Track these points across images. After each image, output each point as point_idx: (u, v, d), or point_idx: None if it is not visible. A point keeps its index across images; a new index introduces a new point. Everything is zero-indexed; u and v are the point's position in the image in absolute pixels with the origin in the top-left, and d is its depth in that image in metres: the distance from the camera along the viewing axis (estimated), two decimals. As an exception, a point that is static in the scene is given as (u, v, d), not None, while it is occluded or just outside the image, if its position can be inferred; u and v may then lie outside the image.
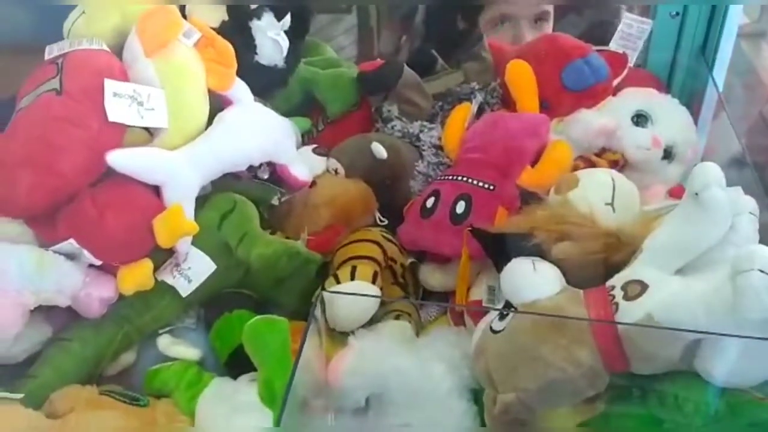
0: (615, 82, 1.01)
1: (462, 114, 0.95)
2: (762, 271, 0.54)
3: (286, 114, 0.99)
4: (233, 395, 0.73)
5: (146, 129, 0.80)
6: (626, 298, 0.65)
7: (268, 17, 0.97)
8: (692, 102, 1.06)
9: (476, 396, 0.72)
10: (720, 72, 1.07)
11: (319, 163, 0.95)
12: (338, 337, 0.77)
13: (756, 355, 0.59)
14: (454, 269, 0.84)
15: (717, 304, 0.58)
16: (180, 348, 0.79)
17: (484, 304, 0.79)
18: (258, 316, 0.72)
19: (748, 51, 1.20)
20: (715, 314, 0.58)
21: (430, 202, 0.88)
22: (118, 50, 0.83)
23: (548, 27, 1.38)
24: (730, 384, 0.61)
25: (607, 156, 0.93)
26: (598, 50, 1.03)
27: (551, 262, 0.71)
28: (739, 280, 0.54)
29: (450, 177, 0.89)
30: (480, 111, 0.99)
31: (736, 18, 1.04)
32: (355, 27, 1.81)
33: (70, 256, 0.74)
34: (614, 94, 1.01)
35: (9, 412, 0.65)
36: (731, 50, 1.05)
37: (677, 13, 1.08)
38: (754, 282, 0.54)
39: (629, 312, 0.64)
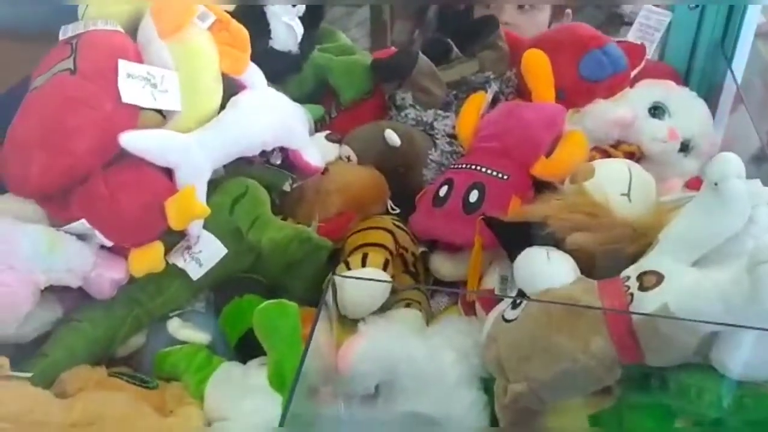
0: (633, 74, 1.00)
1: (477, 103, 0.94)
2: (781, 262, 0.53)
3: (299, 100, 0.98)
4: (243, 379, 0.73)
5: (159, 111, 0.80)
6: (641, 288, 0.64)
7: (282, 2, 0.96)
8: (710, 95, 1.05)
9: (486, 385, 0.71)
10: (739, 66, 1.05)
11: (332, 150, 0.95)
12: (348, 323, 0.77)
13: (774, 348, 0.58)
14: (466, 259, 0.84)
15: (735, 295, 0.57)
16: (190, 331, 0.79)
17: (497, 293, 0.79)
18: (268, 301, 0.72)
19: (764, 50, 1.18)
20: (732, 306, 0.57)
21: (443, 191, 0.87)
22: (132, 32, 0.82)
23: (540, 16, 1.36)
24: (746, 377, 0.60)
25: (623, 148, 0.92)
26: (616, 42, 1.02)
27: (565, 251, 0.70)
28: (757, 270, 0.54)
29: (463, 166, 0.88)
30: (495, 100, 0.99)
31: (756, 12, 1.02)
32: (368, 20, 1.81)
33: (82, 237, 0.73)
34: (631, 86, 1.00)
35: (19, 390, 0.65)
36: (750, 44, 1.03)
37: (696, 6, 1.07)
38: (773, 273, 0.53)
39: (644, 302, 0.63)
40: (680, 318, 0.59)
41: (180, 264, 0.78)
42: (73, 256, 0.72)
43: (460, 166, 0.89)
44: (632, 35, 1.09)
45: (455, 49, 1.05)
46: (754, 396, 0.61)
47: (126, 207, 0.72)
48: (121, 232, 0.74)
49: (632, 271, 0.67)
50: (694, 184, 0.83)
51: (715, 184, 0.62)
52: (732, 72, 1.04)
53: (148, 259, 0.75)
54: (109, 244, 0.74)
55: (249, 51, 0.87)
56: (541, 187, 0.85)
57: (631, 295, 0.64)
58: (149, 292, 0.79)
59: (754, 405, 0.60)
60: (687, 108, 0.95)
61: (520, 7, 1.35)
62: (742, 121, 0.99)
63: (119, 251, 0.76)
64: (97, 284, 0.74)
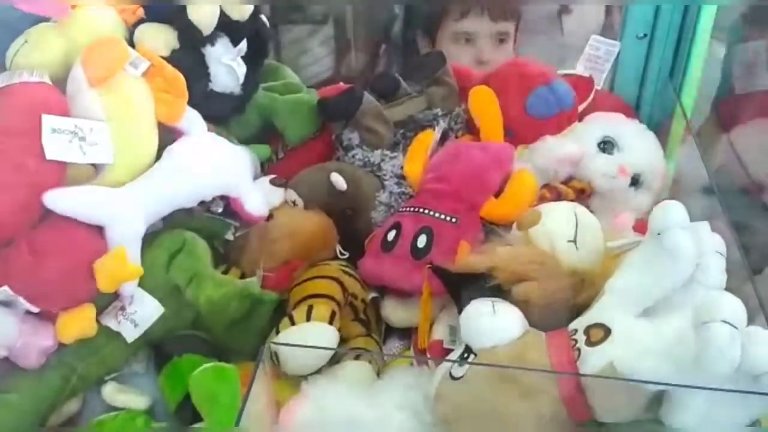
0: (581, 108, 0.99)
1: (424, 142, 0.92)
2: (725, 322, 0.51)
3: (245, 141, 0.96)
4: (181, 449, 0.70)
5: (92, 164, 0.76)
6: (588, 343, 0.62)
7: (222, 43, 0.93)
8: (660, 126, 1.04)
9: (437, 443, 0.68)
10: (688, 96, 1.05)
11: (277, 195, 0.92)
12: (293, 379, 0.74)
13: (722, 406, 0.56)
14: (417, 304, 0.81)
15: (681, 354, 0.55)
16: (126, 396, 0.75)
17: (445, 345, 0.76)
18: (205, 365, 0.69)
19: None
20: (680, 365, 0.55)
21: (391, 235, 0.85)
22: (63, 81, 0.79)
23: (509, 47, 1.36)
24: (697, 435, 0.58)
25: (574, 184, 0.91)
26: (564, 74, 1.01)
27: (512, 302, 0.68)
28: (702, 332, 0.52)
29: (411, 209, 0.86)
30: (444, 137, 0.97)
31: (704, 41, 1.02)
32: (332, 38, 1.79)
33: (5, 304, 0.69)
34: (581, 119, 0.98)
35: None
36: (700, 74, 1.03)
37: (645, 35, 1.06)
38: (718, 334, 0.51)
39: (591, 359, 0.61)
40: (625, 379, 0.57)
41: (114, 326, 0.75)
42: (-4, 326, 0.68)
43: (408, 210, 0.87)
44: (581, 66, 1.08)
45: (403, 84, 1.03)
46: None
47: (51, 271, 0.69)
48: (46, 298, 0.70)
49: (579, 324, 0.65)
50: (642, 227, 0.81)
51: (659, 234, 0.60)
52: (680, 103, 1.03)
53: (79, 323, 0.71)
54: (35, 310, 0.70)
55: (185, 96, 0.84)
56: (490, 230, 0.84)
57: (579, 350, 0.62)
58: (82, 356, 0.75)
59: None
60: (636, 142, 0.95)
61: (499, 41, 1.35)
62: (692, 152, 0.98)
63: (47, 316, 0.72)
64: (23, 354, 0.70)
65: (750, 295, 0.70)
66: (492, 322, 0.66)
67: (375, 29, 1.67)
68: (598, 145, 0.94)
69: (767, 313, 0.70)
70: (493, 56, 1.32)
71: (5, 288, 0.68)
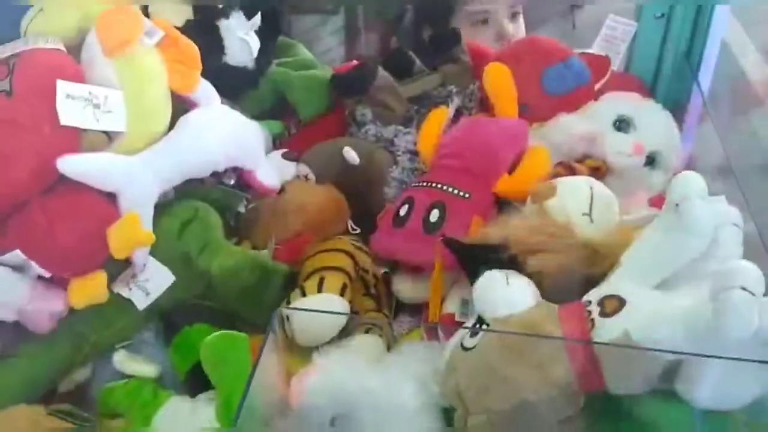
0: (597, 86, 0.98)
1: (438, 118, 0.91)
2: (744, 289, 0.50)
3: (258, 117, 0.95)
4: (190, 416, 0.69)
5: (105, 132, 0.76)
6: (603, 314, 0.61)
7: (237, 16, 0.94)
8: (677, 107, 1.03)
9: (448, 415, 0.68)
10: (705, 76, 1.03)
11: (289, 169, 0.92)
12: (305, 351, 0.74)
13: (739, 376, 0.55)
14: (428, 280, 0.80)
15: (698, 323, 0.54)
16: (136, 364, 0.75)
17: (457, 318, 0.76)
18: (216, 333, 0.68)
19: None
20: (695, 333, 0.54)
21: (403, 210, 0.84)
22: (77, 49, 0.79)
23: (521, 21, 1.35)
24: (712, 406, 0.58)
25: (589, 163, 0.90)
26: (580, 53, 1.00)
27: (526, 274, 0.68)
28: (719, 298, 0.51)
29: (424, 184, 0.86)
30: (457, 115, 0.96)
31: (722, 21, 1.00)
32: (343, 28, 1.78)
33: (17, 268, 0.69)
34: (596, 99, 0.97)
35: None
36: (716, 55, 1.01)
37: (662, 15, 1.05)
38: (736, 300, 0.50)
39: (606, 329, 0.60)
40: (641, 347, 0.56)
41: (125, 293, 0.75)
42: (7, 289, 0.68)
43: (420, 184, 0.86)
44: (597, 46, 1.07)
45: (417, 62, 1.02)
46: (720, 425, 0.58)
47: (64, 236, 0.69)
48: (58, 263, 0.70)
49: (594, 296, 0.64)
50: (658, 201, 0.80)
51: (676, 205, 0.60)
52: (698, 83, 1.02)
53: (90, 289, 0.72)
54: (46, 274, 0.70)
55: (200, 68, 0.83)
56: (504, 204, 0.83)
57: (593, 320, 0.62)
58: (92, 324, 0.75)
59: (721, 435, 0.58)
60: (652, 121, 0.94)
61: (513, 15, 1.34)
62: (708, 132, 0.97)
63: (59, 281, 0.72)
64: (34, 318, 0.70)
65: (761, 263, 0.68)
66: (505, 293, 0.65)
67: (386, 20, 1.67)
68: (614, 123, 0.93)
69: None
70: (512, 32, 1.31)
71: (17, 252, 0.68)
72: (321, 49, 1.77)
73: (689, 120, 1.04)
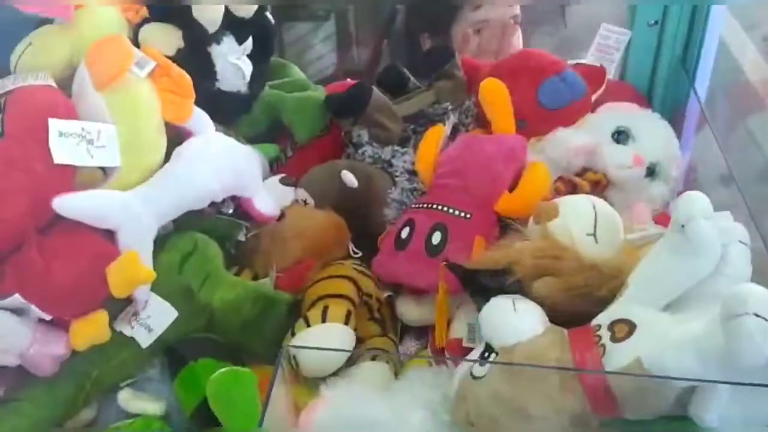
0: (593, 98, 0.97)
1: (435, 137, 0.90)
2: (757, 315, 0.50)
3: (253, 141, 0.94)
4: (198, 454, 0.68)
5: (100, 168, 0.75)
6: (613, 339, 0.61)
7: (228, 42, 0.92)
8: (674, 115, 1.02)
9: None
10: (702, 83, 1.03)
11: (287, 194, 0.91)
12: (311, 382, 0.73)
13: (752, 401, 0.55)
14: (433, 302, 0.80)
15: (710, 349, 0.53)
16: (142, 403, 0.74)
17: (465, 343, 0.75)
18: (222, 369, 0.67)
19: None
20: (708, 360, 0.54)
21: (404, 233, 0.84)
22: (68, 82, 0.78)
23: (519, 31, 1.35)
24: (725, 430, 0.57)
25: (589, 176, 0.90)
26: (574, 64, 1.00)
27: (532, 298, 0.67)
28: (732, 325, 0.50)
29: (424, 205, 0.85)
30: (454, 131, 0.95)
31: (717, 26, 1.00)
32: (335, 34, 1.78)
33: (18, 312, 0.68)
34: (593, 110, 0.97)
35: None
36: (713, 61, 1.01)
37: (656, 22, 1.04)
38: (749, 327, 0.50)
39: (617, 355, 0.60)
40: (654, 376, 0.55)
41: (127, 332, 0.74)
42: (8, 334, 0.67)
43: (421, 206, 0.85)
44: (591, 56, 1.06)
45: (412, 78, 1.01)
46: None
47: (61, 277, 0.68)
48: (58, 305, 0.69)
49: (603, 320, 0.63)
50: (663, 218, 0.80)
51: (682, 226, 0.59)
52: (695, 90, 1.02)
53: (92, 330, 0.70)
54: (47, 317, 0.69)
55: (193, 97, 0.82)
56: (506, 222, 0.82)
57: (603, 346, 0.61)
58: (96, 363, 0.74)
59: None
60: (651, 131, 0.93)
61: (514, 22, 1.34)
62: (707, 139, 0.97)
63: (60, 323, 0.71)
64: (36, 362, 0.69)
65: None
66: (513, 320, 0.65)
67: (377, 25, 1.66)
68: (612, 135, 0.92)
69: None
70: (513, 40, 1.31)
71: (17, 295, 0.67)
72: (313, 57, 1.76)
73: (687, 127, 1.03)
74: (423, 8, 1.40)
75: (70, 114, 0.73)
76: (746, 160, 0.92)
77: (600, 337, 0.62)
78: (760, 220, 0.80)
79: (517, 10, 1.34)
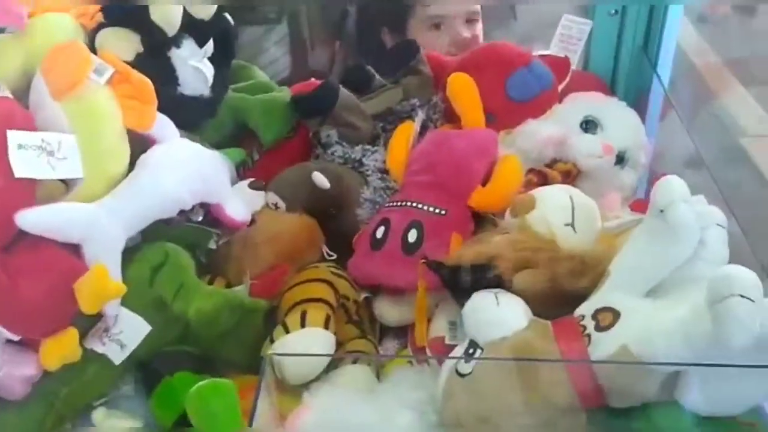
0: (560, 88, 0.97)
1: (404, 134, 0.90)
2: (742, 296, 0.50)
3: (218, 145, 0.92)
4: (180, 471, 0.66)
5: (62, 180, 0.72)
6: (598, 328, 0.61)
7: (188, 44, 0.90)
8: (638, 102, 1.03)
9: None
10: (665, 69, 1.04)
11: (258, 199, 0.89)
12: (292, 389, 0.71)
13: (740, 382, 0.55)
14: (411, 301, 0.79)
15: (696, 332, 0.53)
16: (117, 421, 0.72)
17: (447, 341, 0.74)
18: (200, 382, 0.65)
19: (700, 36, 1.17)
20: (694, 343, 0.54)
21: (380, 232, 0.82)
22: (24, 93, 0.75)
23: (479, 26, 1.35)
24: (714, 413, 0.57)
25: (559, 167, 0.90)
26: (539, 56, 1.00)
27: (514, 292, 0.67)
28: (718, 307, 0.50)
29: (398, 203, 0.84)
30: (423, 128, 0.94)
31: (677, 13, 1.01)
32: (287, 36, 1.76)
33: (-17, 334, 0.65)
34: (560, 100, 0.97)
35: None
36: (674, 47, 1.02)
37: (616, 11, 1.05)
38: (735, 309, 0.50)
39: (603, 344, 0.60)
40: (641, 362, 0.55)
41: (99, 349, 0.71)
42: (-27, 358, 0.64)
43: (395, 204, 0.84)
44: (554, 46, 1.07)
45: (377, 76, 1.00)
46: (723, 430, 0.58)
47: (28, 296, 0.65)
48: (26, 324, 0.66)
49: (587, 309, 0.63)
50: (638, 205, 0.80)
51: (661, 211, 0.59)
52: (658, 76, 1.03)
53: (62, 349, 0.68)
54: (15, 338, 0.66)
55: (155, 102, 0.80)
56: (481, 216, 0.82)
57: (588, 336, 0.61)
58: (67, 382, 0.71)
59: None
60: (618, 120, 0.94)
61: (467, 21, 1.34)
62: (673, 125, 0.98)
63: (30, 344, 0.68)
64: (6, 385, 0.66)
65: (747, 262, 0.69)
66: (497, 315, 0.64)
67: (329, 26, 1.65)
68: (581, 125, 0.92)
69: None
70: (468, 37, 1.31)
71: (-20, 317, 0.64)
72: (267, 60, 1.74)
73: (652, 113, 1.04)
74: (378, 5, 1.40)
75: (29, 124, 0.70)
76: (712, 140, 0.93)
77: (585, 327, 0.62)
78: (731, 202, 0.81)
79: (475, 7, 1.35)
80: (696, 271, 0.60)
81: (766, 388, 0.55)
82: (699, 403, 0.57)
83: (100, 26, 0.85)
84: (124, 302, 0.72)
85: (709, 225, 0.62)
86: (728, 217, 0.64)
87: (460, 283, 0.69)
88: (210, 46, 0.93)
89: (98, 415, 0.72)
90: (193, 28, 0.90)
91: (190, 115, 0.90)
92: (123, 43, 0.84)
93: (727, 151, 1.00)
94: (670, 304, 0.59)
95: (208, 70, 0.93)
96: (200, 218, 0.82)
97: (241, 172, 0.98)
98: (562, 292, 0.67)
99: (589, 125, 0.92)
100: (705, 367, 0.54)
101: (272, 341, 0.74)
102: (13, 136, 0.67)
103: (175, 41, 0.88)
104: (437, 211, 0.81)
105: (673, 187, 0.59)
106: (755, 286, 0.51)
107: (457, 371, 0.64)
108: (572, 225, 0.71)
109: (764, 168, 1.24)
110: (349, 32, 1.59)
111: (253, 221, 0.86)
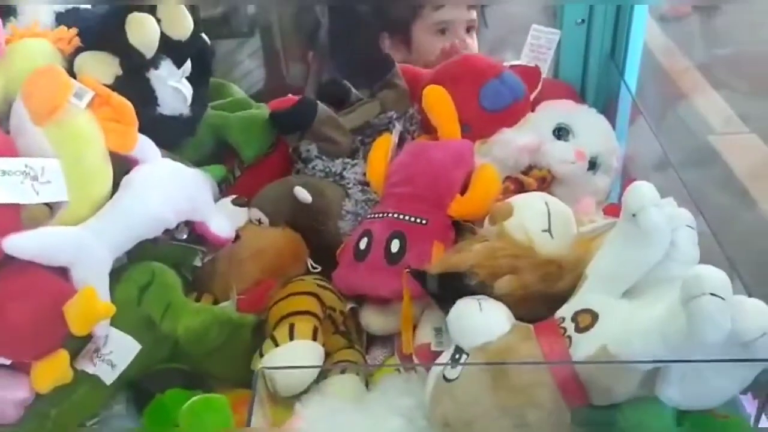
0: (531, 97, 1.00)
1: (383, 147, 0.92)
2: (713, 294, 0.53)
3: (199, 163, 0.93)
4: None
5: (46, 204, 0.73)
6: (578, 329, 0.63)
7: (166, 65, 0.91)
8: (607, 108, 1.06)
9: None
10: (632, 76, 1.07)
11: (241, 215, 0.90)
12: (283, 400, 0.72)
13: (714, 377, 0.58)
14: (396, 311, 0.81)
15: (671, 330, 0.56)
16: (110, 441, 0.72)
17: (433, 348, 0.76)
18: (193, 398, 0.66)
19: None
20: (670, 341, 0.56)
21: (363, 243, 0.84)
22: (4, 118, 0.76)
23: (475, 35, 1.38)
24: (692, 407, 0.60)
25: (535, 174, 0.92)
26: (510, 66, 1.02)
27: (496, 298, 0.69)
28: (691, 306, 0.53)
29: (380, 215, 0.86)
30: (401, 140, 0.96)
31: (642, 20, 1.04)
32: (261, 50, 1.77)
33: (-27, 360, 0.66)
34: (533, 109, 1.00)
35: None
36: (640, 53, 1.05)
37: (582, 21, 1.08)
38: (707, 307, 0.52)
39: (583, 344, 0.62)
40: (621, 361, 0.58)
41: (90, 370, 0.71)
42: (-36, 385, 0.64)
43: (376, 216, 0.86)
44: (524, 56, 1.09)
45: (354, 91, 1.02)
46: (701, 423, 0.61)
47: (18, 320, 0.65)
48: (16, 348, 0.66)
49: (566, 312, 0.65)
50: (612, 210, 0.83)
51: (633, 215, 0.62)
52: (626, 83, 1.06)
53: (54, 371, 0.68)
54: (6, 362, 0.67)
55: (136, 124, 0.80)
56: (461, 225, 0.84)
57: (569, 337, 0.63)
58: (58, 404, 0.72)
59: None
60: (589, 126, 0.96)
61: (468, 29, 1.36)
62: (642, 130, 1.01)
63: (21, 367, 0.69)
64: (-2, 409, 0.67)
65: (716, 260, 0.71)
66: (480, 320, 0.66)
67: (303, 37, 1.66)
68: (553, 132, 0.95)
69: (740, 276, 0.72)
70: (469, 43, 1.34)
71: (-29, 344, 0.65)
72: (241, 73, 1.75)
73: (621, 119, 1.07)
74: (383, 8, 1.41)
75: (10, 149, 0.71)
76: (679, 143, 0.97)
77: (565, 329, 0.64)
78: (700, 203, 0.84)
79: (474, 15, 1.38)
80: (669, 272, 0.63)
81: (738, 382, 0.58)
82: (677, 398, 0.59)
83: (78, 50, 0.85)
84: (113, 323, 0.73)
85: (679, 227, 0.64)
86: (697, 217, 0.67)
87: (443, 290, 0.71)
88: (188, 65, 0.94)
89: (91, 436, 0.72)
90: (170, 48, 0.91)
91: (170, 135, 0.91)
92: (102, 67, 0.85)
93: (695, 150, 1.02)
94: (646, 304, 0.61)
95: (187, 89, 0.94)
96: (185, 236, 0.83)
97: (223, 189, 0.99)
98: (542, 296, 0.69)
99: (561, 132, 0.95)
100: (682, 363, 0.57)
101: (261, 355, 0.76)
102: (-3, 163, 0.68)
103: (154, 62, 0.89)
104: (419, 220, 0.83)
105: (643, 192, 0.62)
106: (725, 284, 0.53)
107: (444, 377, 0.66)
108: (549, 231, 0.73)
109: (731, 164, 1.28)
110: (322, 42, 1.60)
111: (237, 237, 0.87)
